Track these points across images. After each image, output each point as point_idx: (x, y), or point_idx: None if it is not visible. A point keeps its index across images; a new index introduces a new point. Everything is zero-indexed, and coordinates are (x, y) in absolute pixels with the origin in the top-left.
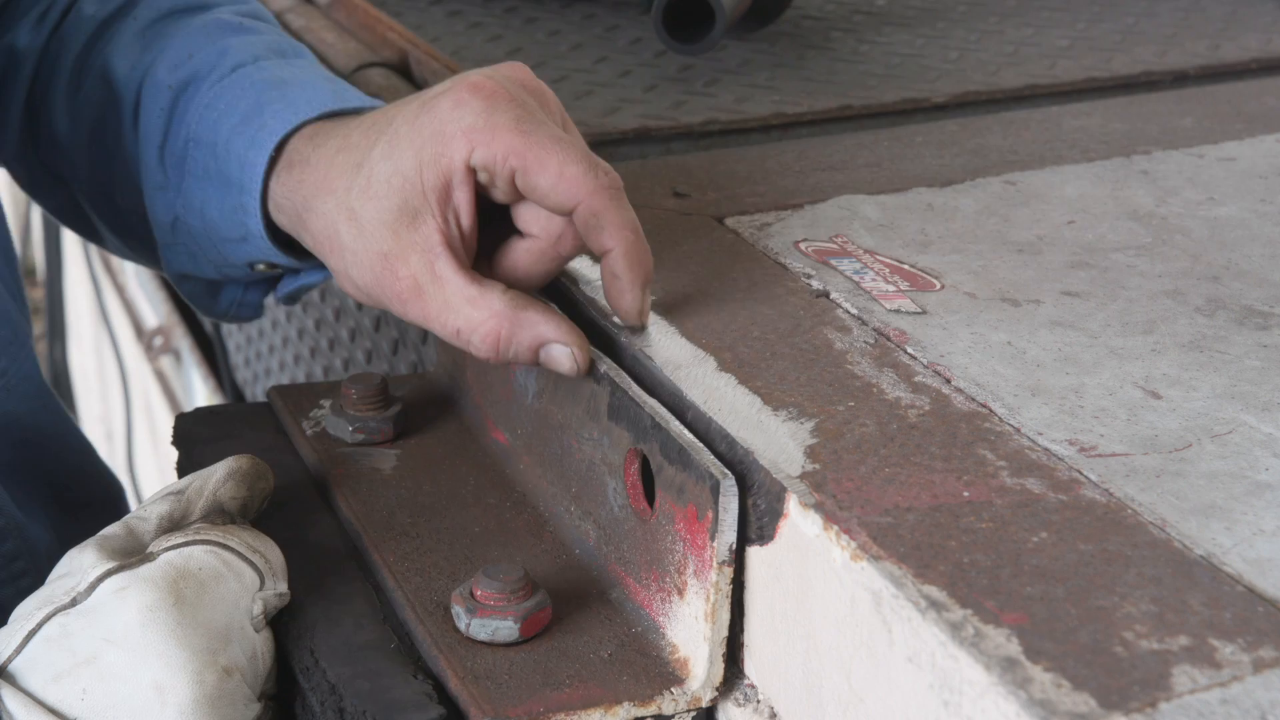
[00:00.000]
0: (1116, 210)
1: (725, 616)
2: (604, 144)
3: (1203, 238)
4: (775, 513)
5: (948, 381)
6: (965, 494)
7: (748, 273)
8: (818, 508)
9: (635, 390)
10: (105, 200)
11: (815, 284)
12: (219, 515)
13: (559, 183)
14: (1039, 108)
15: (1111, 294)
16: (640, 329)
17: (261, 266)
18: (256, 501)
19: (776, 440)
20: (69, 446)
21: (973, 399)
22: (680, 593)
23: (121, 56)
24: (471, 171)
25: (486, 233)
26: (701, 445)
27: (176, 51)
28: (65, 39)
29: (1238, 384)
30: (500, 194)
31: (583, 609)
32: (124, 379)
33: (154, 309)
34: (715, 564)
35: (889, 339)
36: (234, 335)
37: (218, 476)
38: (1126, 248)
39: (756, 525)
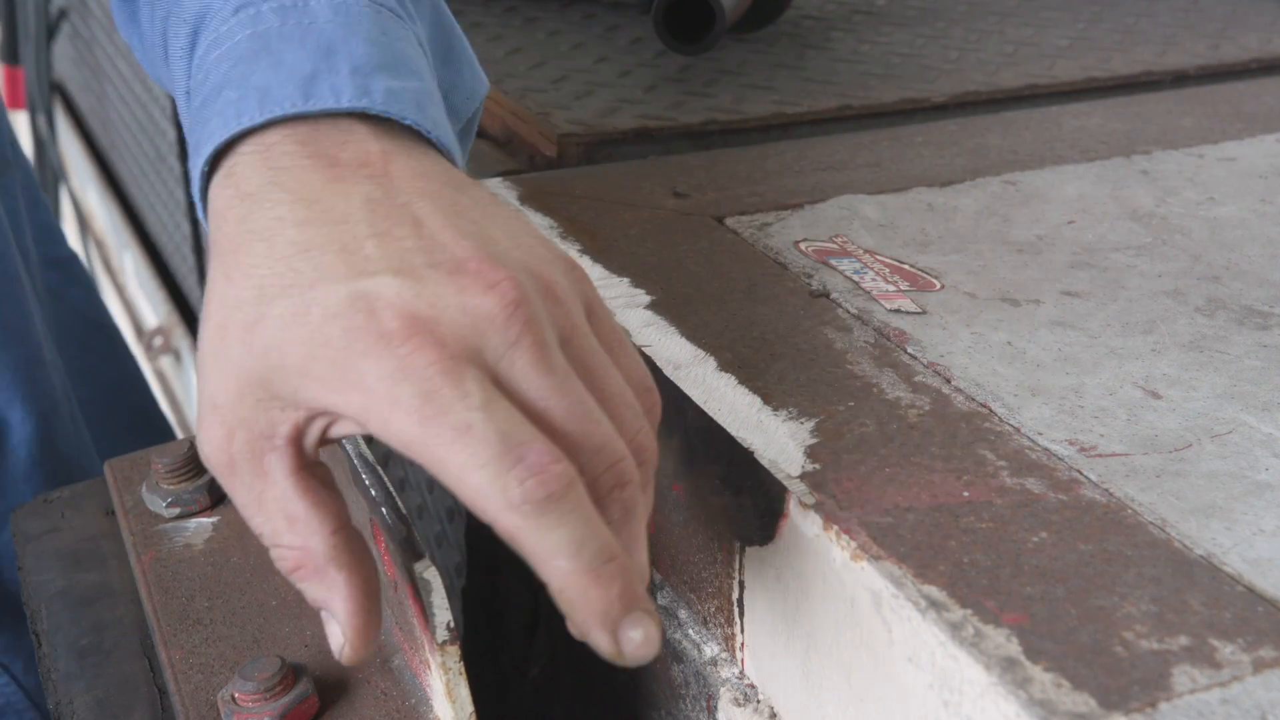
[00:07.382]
0: (1116, 210)
1: (464, 693)
2: (604, 144)
3: (1203, 238)
4: (775, 513)
5: (948, 381)
6: (965, 494)
7: (748, 273)
8: (818, 508)
9: (356, 462)
10: None
11: (815, 284)
12: None
13: (461, 491)
14: (1039, 108)
15: (1111, 294)
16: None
17: None
18: None
19: (776, 440)
20: None
21: (973, 399)
22: (429, 667)
23: None
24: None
25: None
26: (407, 525)
27: None
28: None
29: (1238, 384)
30: None
31: (363, 684)
32: None
33: (154, 309)
34: (437, 645)
35: (889, 339)
36: None
37: None
38: (1126, 248)
39: (757, 525)
